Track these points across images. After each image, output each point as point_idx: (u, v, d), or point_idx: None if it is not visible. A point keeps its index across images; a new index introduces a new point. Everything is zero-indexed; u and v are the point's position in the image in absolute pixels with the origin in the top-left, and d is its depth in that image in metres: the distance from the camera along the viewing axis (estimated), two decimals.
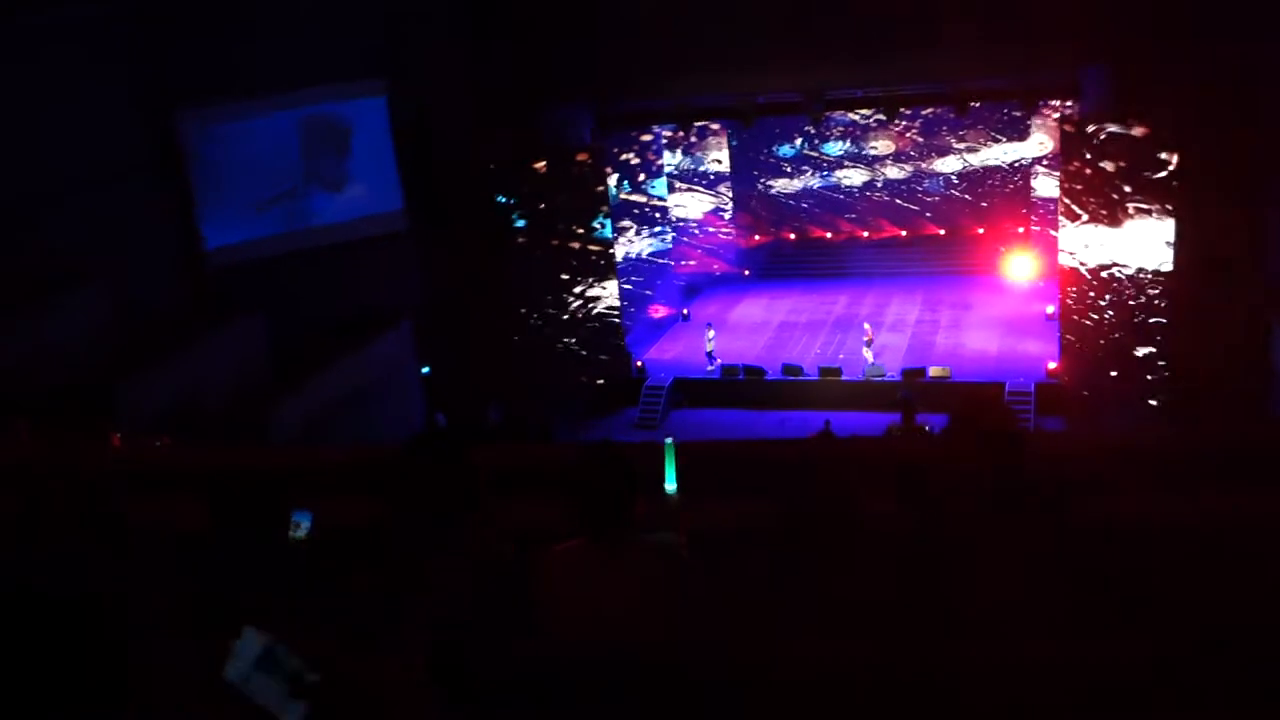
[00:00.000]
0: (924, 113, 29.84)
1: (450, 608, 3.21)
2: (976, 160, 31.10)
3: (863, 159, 32.08)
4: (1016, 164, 30.65)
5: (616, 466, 3.55)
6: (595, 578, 3.51)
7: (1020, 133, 30.26)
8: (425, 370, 22.09)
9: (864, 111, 29.05)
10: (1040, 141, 29.74)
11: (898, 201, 32.05)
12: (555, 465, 3.96)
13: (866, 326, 25.02)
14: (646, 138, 27.67)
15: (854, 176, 32.38)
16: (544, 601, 3.56)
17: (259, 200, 19.93)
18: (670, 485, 4.83)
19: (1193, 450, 6.57)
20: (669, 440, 4.76)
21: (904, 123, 30.50)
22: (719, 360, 25.06)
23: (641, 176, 27.95)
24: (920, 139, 31.36)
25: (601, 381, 24.87)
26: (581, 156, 23.91)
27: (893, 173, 32.00)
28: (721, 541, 3.89)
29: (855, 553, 3.15)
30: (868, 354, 24.29)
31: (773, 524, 3.10)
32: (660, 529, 3.65)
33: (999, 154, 30.80)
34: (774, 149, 32.66)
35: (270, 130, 19.93)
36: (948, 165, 31.46)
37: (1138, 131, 19.78)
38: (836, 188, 32.59)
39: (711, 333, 25.59)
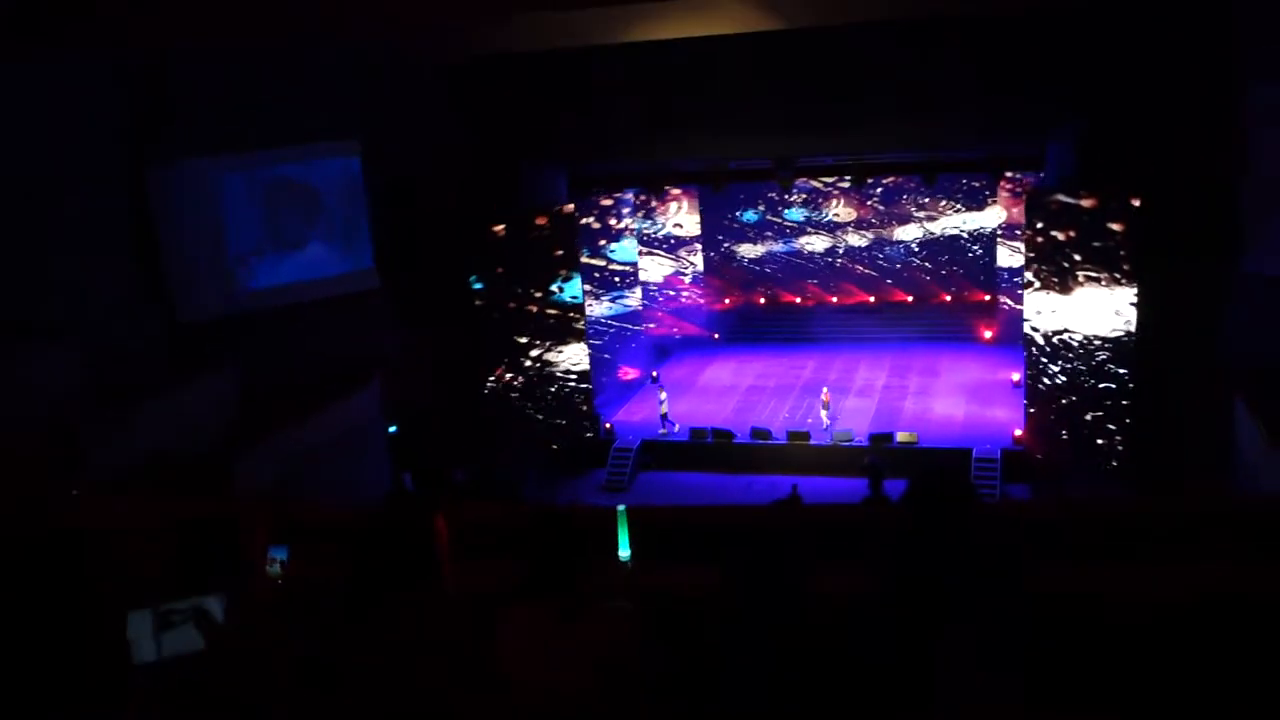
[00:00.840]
0: (884, 181, 30.60)
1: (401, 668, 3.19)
2: (936, 228, 31.69)
3: (824, 225, 32.61)
4: (977, 232, 31.27)
5: (564, 531, 3.56)
6: (546, 642, 3.49)
7: (979, 203, 30.93)
8: (392, 429, 21.95)
9: (826, 179, 29.79)
10: (998, 213, 30.48)
11: (859, 268, 32.55)
12: (514, 527, 3.96)
13: (824, 391, 25.21)
14: (609, 202, 27.99)
15: (816, 243, 32.89)
16: (498, 663, 3.54)
17: (228, 257, 19.88)
18: (624, 552, 4.81)
19: (1150, 520, 6.64)
20: (621, 507, 4.76)
21: (865, 190, 31.29)
22: (675, 424, 25.09)
23: (612, 240, 28.25)
24: (881, 207, 31.96)
25: (564, 444, 24.82)
26: (553, 218, 24.11)
27: (854, 239, 32.53)
28: (676, 608, 3.89)
29: (806, 625, 3.16)
30: (824, 416, 24.44)
31: (723, 594, 3.11)
32: (615, 594, 3.64)
33: (957, 223, 31.42)
34: (738, 214, 33.12)
35: (241, 189, 19.96)
36: (908, 233, 32.06)
37: (1090, 203, 20.23)
38: (799, 253, 33.07)
39: (664, 395, 25.60)
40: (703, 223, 33.18)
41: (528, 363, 24.16)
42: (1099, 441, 20.86)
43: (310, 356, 20.05)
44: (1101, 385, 20.75)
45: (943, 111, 20.39)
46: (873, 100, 20.33)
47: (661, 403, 25.39)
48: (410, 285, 21.64)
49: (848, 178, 26.37)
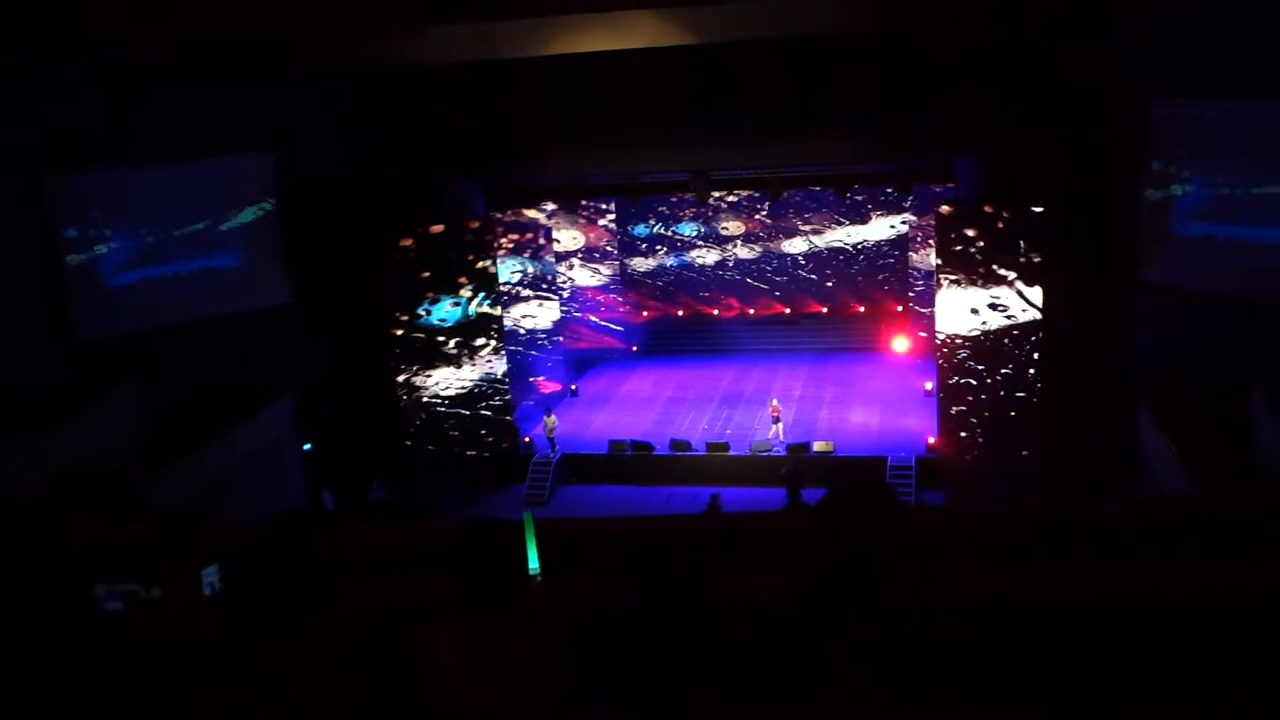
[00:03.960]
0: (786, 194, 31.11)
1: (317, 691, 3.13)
2: (821, 242, 32.34)
3: (714, 239, 33.09)
4: (860, 245, 31.99)
5: (494, 545, 3.53)
6: (470, 657, 3.46)
7: (862, 217, 31.72)
8: (307, 446, 21.57)
9: (715, 193, 30.12)
10: (891, 225, 31.42)
11: (748, 280, 33.08)
12: (433, 542, 3.92)
13: (774, 403, 25.25)
14: (526, 215, 27.90)
15: (707, 256, 33.32)
16: (419, 680, 3.49)
17: (132, 271, 19.39)
18: (533, 564, 4.76)
19: (1058, 525, 6.81)
20: (528, 514, 4.71)
21: (753, 204, 32.05)
22: (559, 450, 24.76)
23: (530, 253, 28.16)
24: (769, 221, 32.50)
25: (483, 458, 24.59)
26: (469, 230, 23.93)
27: (743, 253, 33.02)
28: (594, 622, 3.88)
29: (719, 634, 3.18)
30: (779, 430, 24.51)
31: (633, 606, 3.12)
32: (534, 608, 3.62)
33: (842, 236, 32.08)
34: (629, 228, 33.34)
35: (146, 201, 19.49)
36: (794, 246, 32.65)
37: (996, 214, 20.77)
38: (690, 266, 33.46)
39: (553, 419, 25.13)
40: (619, 236, 33.30)
41: (445, 377, 23.93)
42: (1011, 448, 21.35)
43: (221, 373, 19.64)
44: (1011, 393, 21.26)
45: (854, 126, 20.75)
46: (786, 115, 20.62)
47: (549, 425, 24.98)
48: (323, 299, 21.29)
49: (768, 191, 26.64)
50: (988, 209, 21.07)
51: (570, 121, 21.34)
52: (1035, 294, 20.41)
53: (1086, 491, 18.68)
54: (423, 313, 23.21)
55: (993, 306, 21.30)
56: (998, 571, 5.53)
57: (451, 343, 23.83)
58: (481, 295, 24.29)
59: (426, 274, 23.20)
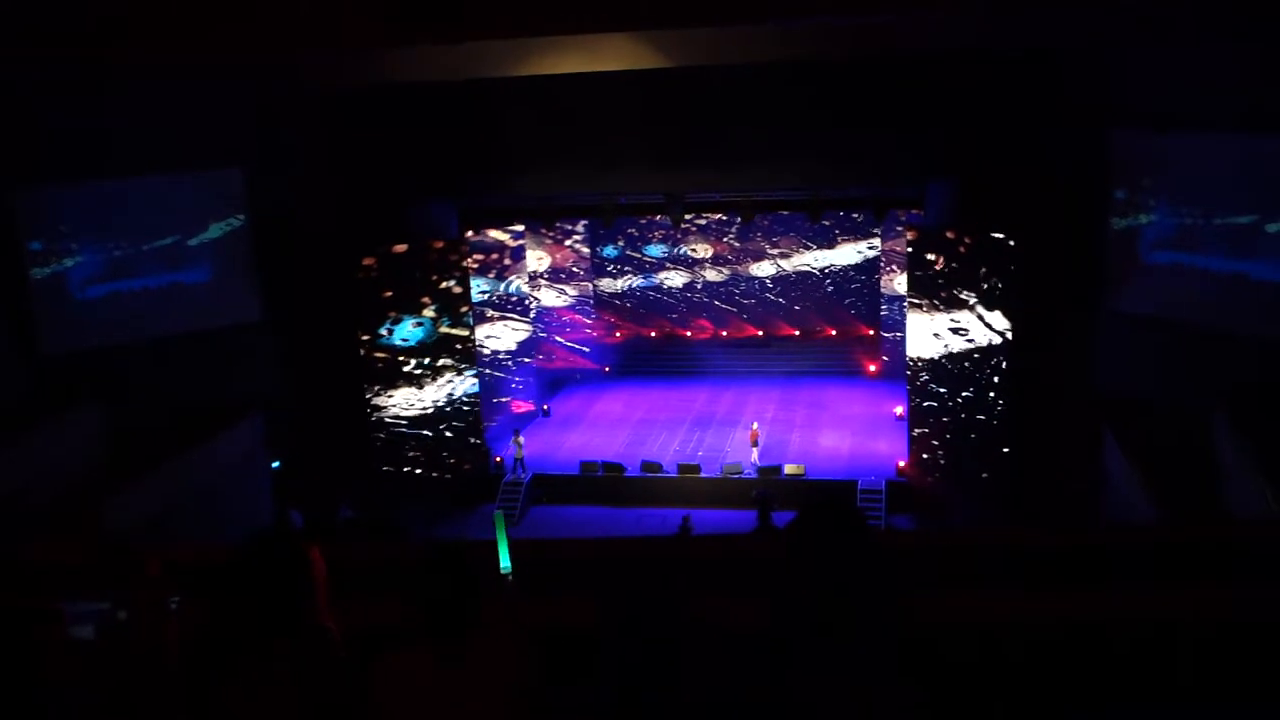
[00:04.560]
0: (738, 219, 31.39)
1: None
2: (789, 266, 32.59)
3: (682, 261, 33.26)
4: (828, 269, 32.24)
5: (454, 569, 3.51)
6: (431, 685, 3.43)
7: (830, 241, 32.00)
8: (275, 465, 21.38)
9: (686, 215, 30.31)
10: (859, 250, 31.73)
11: (716, 303, 33.16)
12: (400, 565, 3.89)
13: (754, 426, 25.22)
14: (502, 235, 27.90)
15: (676, 278, 33.48)
16: (380, 710, 3.45)
17: (98, 286, 19.19)
18: (504, 563, 4.71)
19: (1024, 550, 6.85)
20: (498, 512, 4.66)
21: (722, 227, 32.29)
22: (527, 471, 24.69)
23: (503, 272, 28.13)
24: (737, 244, 32.69)
25: (453, 478, 24.45)
26: (442, 250, 23.88)
27: (712, 275, 33.24)
28: (564, 643, 3.86)
29: (688, 656, 3.17)
30: (754, 454, 24.51)
31: (604, 628, 3.10)
32: (502, 629, 3.60)
33: (810, 260, 32.32)
34: (598, 249, 33.45)
35: (116, 216, 19.32)
36: (762, 270, 32.94)
37: (967, 240, 20.96)
38: (658, 288, 33.60)
39: (520, 439, 25.07)
40: (591, 256, 33.36)
41: (415, 396, 23.81)
42: (978, 472, 21.48)
43: (190, 389, 19.46)
44: (979, 417, 21.41)
45: (828, 152, 20.90)
46: (760, 139, 20.74)
47: (518, 446, 24.86)
48: (292, 318, 21.16)
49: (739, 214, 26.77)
50: (953, 235, 21.29)
51: (544, 142, 21.35)
52: (1000, 319, 20.59)
53: (1051, 516, 18.83)
54: (384, 332, 23.09)
55: (956, 331, 21.48)
56: (964, 594, 5.55)
57: (417, 363, 23.70)
58: (449, 315, 24.20)
59: (389, 293, 23.09)
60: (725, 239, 32.75)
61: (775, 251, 32.53)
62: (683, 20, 13.51)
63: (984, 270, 20.80)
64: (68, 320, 18.75)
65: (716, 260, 32.99)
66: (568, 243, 32.74)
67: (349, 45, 13.48)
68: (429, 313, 23.72)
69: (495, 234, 27.69)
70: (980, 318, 20.98)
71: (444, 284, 23.97)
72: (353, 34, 13.11)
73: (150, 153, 18.83)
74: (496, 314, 27.86)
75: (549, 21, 13.62)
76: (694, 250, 33.05)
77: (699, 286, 33.26)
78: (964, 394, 21.63)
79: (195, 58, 14.11)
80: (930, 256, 21.99)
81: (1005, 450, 20.88)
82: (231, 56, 14.07)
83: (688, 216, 29.60)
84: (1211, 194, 17.05)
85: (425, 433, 24.02)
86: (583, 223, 31.99)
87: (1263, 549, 6.46)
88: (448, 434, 24.39)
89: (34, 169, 17.74)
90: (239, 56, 14.08)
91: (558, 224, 30.10)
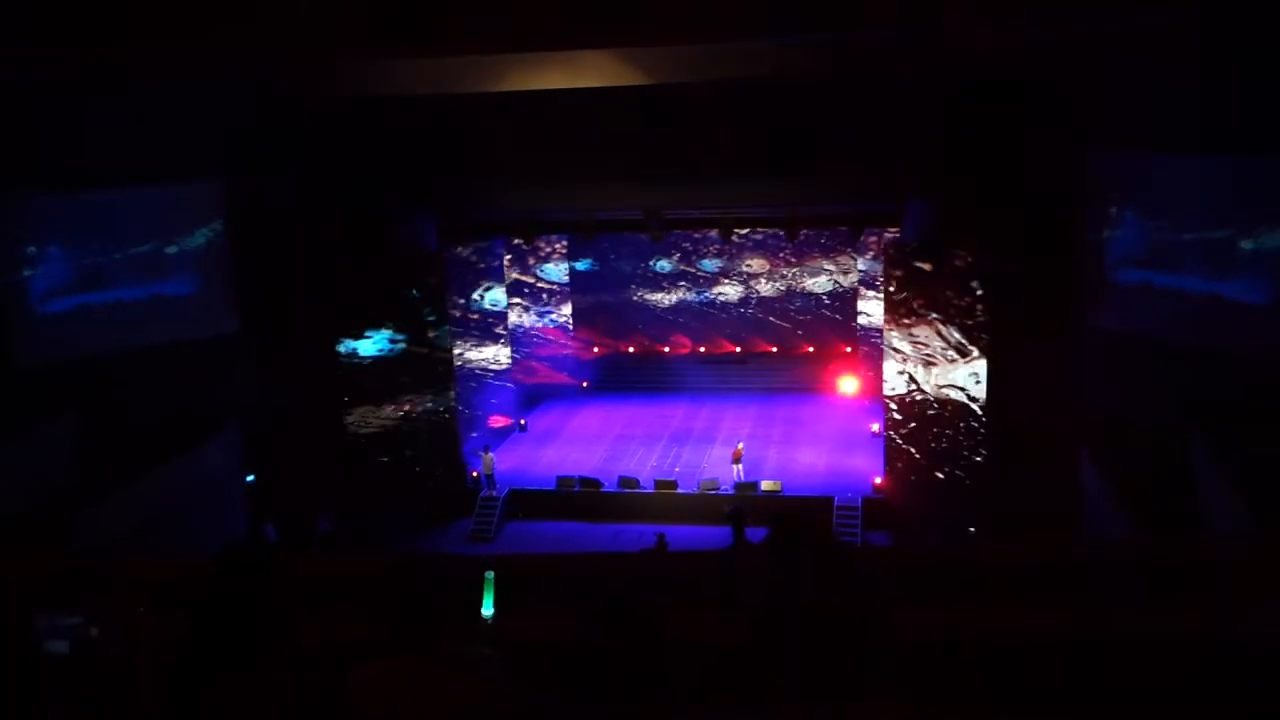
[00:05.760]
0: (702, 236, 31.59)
1: None
2: (767, 283, 33.01)
3: (660, 278, 33.59)
4: (830, 287, 32.44)
5: (424, 581, 3.48)
6: (408, 694, 3.40)
7: (808, 259, 32.39)
8: (250, 478, 21.20)
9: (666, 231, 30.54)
10: (837, 267, 32.14)
11: (692, 323, 33.50)
12: (374, 578, 3.86)
13: (739, 445, 25.18)
14: (478, 249, 27.87)
15: (652, 294, 33.81)
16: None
17: (74, 297, 18.99)
18: (487, 610, 4.75)
19: (1006, 566, 6.88)
20: (489, 574, 4.71)
21: (687, 245, 32.65)
22: (498, 487, 24.58)
23: (481, 287, 28.08)
24: (718, 261, 32.99)
25: (430, 493, 24.32)
26: (420, 264, 23.83)
27: (687, 295, 33.52)
28: (537, 655, 3.84)
29: (667, 671, 3.16)
30: (738, 470, 24.49)
31: (581, 641, 3.09)
32: (477, 642, 3.58)
33: (789, 277, 32.74)
34: (576, 264, 33.65)
35: (90, 227, 19.13)
36: (739, 288, 33.31)
37: (945, 258, 21.07)
38: (632, 303, 33.87)
39: (489, 456, 24.93)
40: (569, 272, 33.39)
41: (392, 410, 23.70)
42: (955, 489, 21.54)
43: (166, 402, 19.25)
44: (956, 434, 21.49)
45: (807, 169, 20.97)
46: (741, 156, 20.81)
47: (486, 463, 24.75)
48: (270, 330, 21.03)
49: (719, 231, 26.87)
50: (930, 256, 21.40)
51: (524, 157, 21.36)
52: (977, 336, 20.68)
53: (1028, 533, 18.87)
54: (361, 345, 22.97)
55: (938, 347, 21.56)
56: (940, 608, 5.57)
57: (393, 376, 23.59)
58: (427, 328, 24.13)
59: (367, 306, 23.00)
60: (704, 258, 32.91)
61: (752, 269, 32.67)
62: (662, 38, 13.58)
63: (961, 287, 20.90)
64: (40, 331, 18.48)
65: (692, 278, 33.18)
66: (551, 257, 32.76)
67: (348, 47, 13.46)
68: (407, 326, 23.63)
69: (474, 248, 27.63)
70: (956, 334, 21.08)
71: (422, 297, 23.90)
72: (351, 36, 13.10)
73: (126, 164, 18.64)
74: (474, 328, 27.80)
75: (529, 37, 13.65)
76: (663, 267, 33.47)
77: (675, 302, 33.41)
78: (942, 413, 21.70)
79: (195, 58, 14.04)
80: (906, 274, 22.08)
81: (982, 465, 20.94)
82: (231, 57, 14.01)
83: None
84: (1187, 212, 17.18)
85: (401, 447, 23.88)
86: (564, 240, 32.03)
87: (1239, 564, 6.50)
88: (424, 448, 24.27)
89: (10, 176, 17.52)
90: (238, 57, 14.03)
91: (541, 238, 30.11)
